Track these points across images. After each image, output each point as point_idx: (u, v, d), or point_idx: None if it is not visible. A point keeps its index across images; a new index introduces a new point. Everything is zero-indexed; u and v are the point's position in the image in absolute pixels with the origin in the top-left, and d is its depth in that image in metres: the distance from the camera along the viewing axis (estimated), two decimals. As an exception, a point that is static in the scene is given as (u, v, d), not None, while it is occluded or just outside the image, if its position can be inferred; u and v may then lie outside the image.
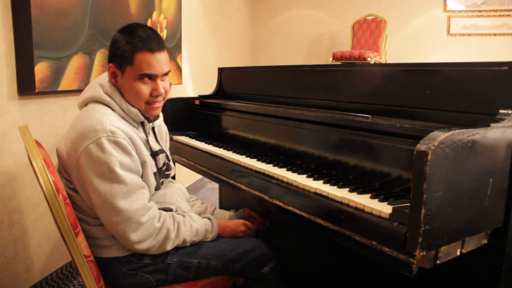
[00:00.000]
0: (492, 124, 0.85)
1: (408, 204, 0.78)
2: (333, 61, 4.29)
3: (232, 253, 1.28)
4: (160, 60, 1.20)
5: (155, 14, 2.65)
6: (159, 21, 2.72)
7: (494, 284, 0.97)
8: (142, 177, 1.21)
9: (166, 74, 1.24)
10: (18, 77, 1.60)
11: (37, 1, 1.59)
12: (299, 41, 5.28)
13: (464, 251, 0.86)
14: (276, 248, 1.41)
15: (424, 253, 0.77)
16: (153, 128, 1.35)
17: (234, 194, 2.14)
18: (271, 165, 1.31)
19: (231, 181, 1.39)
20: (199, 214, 1.42)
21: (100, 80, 1.24)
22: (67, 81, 1.81)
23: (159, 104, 1.26)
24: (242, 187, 1.32)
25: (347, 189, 1.03)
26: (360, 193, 1.00)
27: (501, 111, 0.92)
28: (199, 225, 1.28)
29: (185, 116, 2.10)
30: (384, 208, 0.88)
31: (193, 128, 2.08)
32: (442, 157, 0.75)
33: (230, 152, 1.53)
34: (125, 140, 1.14)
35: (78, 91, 1.87)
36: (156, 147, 1.30)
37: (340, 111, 1.36)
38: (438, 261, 0.81)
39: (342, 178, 1.15)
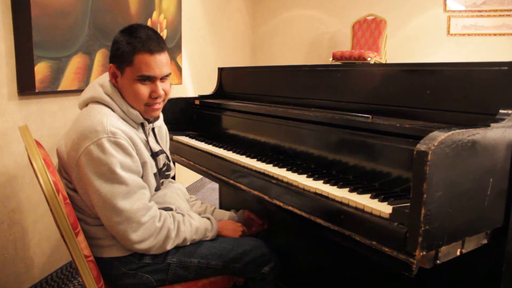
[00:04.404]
0: (492, 124, 0.85)
1: (408, 204, 0.78)
2: (333, 61, 4.29)
3: (232, 253, 1.28)
4: (159, 62, 1.20)
5: (155, 14, 2.65)
6: (159, 21, 2.72)
7: (494, 284, 0.97)
8: (142, 177, 1.21)
9: (166, 76, 1.24)
10: (18, 77, 1.60)
11: (37, 1, 1.59)
12: (299, 41, 5.28)
13: (464, 251, 0.86)
14: (276, 248, 1.41)
15: (424, 253, 0.77)
16: (153, 129, 1.35)
17: (234, 194, 2.14)
18: (271, 165, 1.31)
19: (231, 181, 1.39)
20: (199, 214, 1.42)
21: (100, 81, 1.24)
22: (67, 81, 1.81)
23: (159, 105, 1.25)
24: (242, 187, 1.32)
25: (347, 189, 1.03)
26: (360, 193, 1.00)
27: (501, 111, 0.92)
28: (198, 223, 1.28)
29: (185, 116, 2.10)
30: (384, 208, 0.88)
31: (193, 128, 2.08)
32: (442, 157, 0.75)
33: (230, 152, 1.53)
34: (126, 141, 1.14)
35: (78, 91, 1.87)
36: (156, 147, 1.30)
37: (340, 111, 1.36)
38: (438, 261, 0.81)
39: (342, 178, 1.15)
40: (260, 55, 5.52)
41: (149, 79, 1.20)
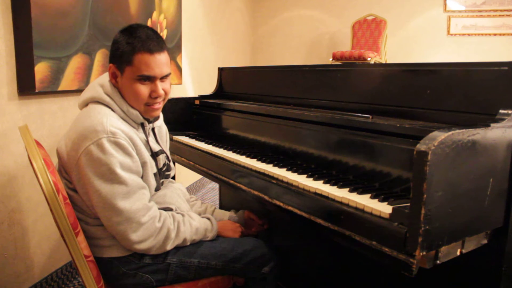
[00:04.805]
0: (492, 124, 0.85)
1: (408, 204, 0.78)
2: (333, 61, 4.29)
3: (232, 253, 1.28)
4: (159, 62, 1.20)
5: (155, 14, 2.65)
6: (159, 21, 2.72)
7: (494, 284, 0.97)
8: (142, 177, 1.21)
9: (166, 76, 1.24)
10: (18, 77, 1.60)
11: (37, 1, 1.59)
12: (299, 41, 5.28)
13: (464, 251, 0.86)
14: (276, 248, 1.41)
15: (424, 253, 0.77)
16: (153, 129, 1.35)
17: (234, 194, 2.14)
18: (271, 165, 1.31)
19: (231, 181, 1.39)
20: (199, 214, 1.42)
21: (100, 81, 1.24)
22: (67, 81, 1.81)
23: (159, 105, 1.25)
24: (242, 187, 1.32)
25: (347, 189, 1.03)
26: (360, 193, 1.00)
27: (501, 111, 0.92)
28: (198, 224, 1.28)
29: (185, 116, 2.10)
30: (384, 208, 0.88)
31: (193, 128, 2.08)
32: (442, 157, 0.75)
33: (230, 152, 1.53)
34: (126, 141, 1.14)
35: (78, 91, 1.87)
36: (156, 147, 1.30)
37: (340, 111, 1.36)
38: (438, 261, 0.81)
39: (342, 178, 1.15)
40: (260, 55, 5.52)
41: (149, 79, 1.20)
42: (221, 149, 1.58)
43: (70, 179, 1.19)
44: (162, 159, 1.33)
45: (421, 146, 0.75)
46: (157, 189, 1.31)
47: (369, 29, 4.54)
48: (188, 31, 3.30)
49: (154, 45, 1.19)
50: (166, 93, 1.25)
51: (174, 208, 1.29)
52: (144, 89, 1.20)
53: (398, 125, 1.04)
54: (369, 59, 4.07)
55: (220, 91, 2.18)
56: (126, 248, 1.18)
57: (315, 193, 1.05)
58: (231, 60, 4.61)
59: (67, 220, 1.03)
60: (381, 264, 0.86)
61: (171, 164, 1.43)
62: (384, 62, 4.42)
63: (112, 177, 1.11)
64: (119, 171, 1.11)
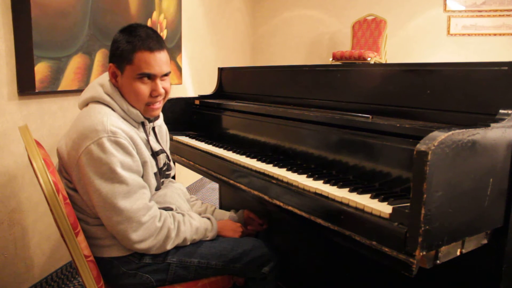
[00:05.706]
0: (492, 124, 0.85)
1: (408, 204, 0.78)
2: (333, 61, 4.29)
3: (232, 253, 1.28)
4: (159, 60, 1.20)
5: (155, 14, 2.65)
6: (159, 21, 2.72)
7: (494, 284, 0.97)
8: (142, 177, 1.21)
9: (166, 74, 1.24)
10: (18, 77, 1.60)
11: (37, 1, 1.59)
12: (299, 41, 5.28)
13: (464, 251, 0.86)
14: (276, 248, 1.41)
15: (424, 253, 0.77)
16: (153, 128, 1.35)
17: (234, 194, 2.14)
18: (271, 165, 1.31)
19: (231, 181, 1.39)
20: (199, 214, 1.42)
21: (100, 80, 1.24)
22: (67, 81, 1.81)
23: (159, 104, 1.26)
24: (242, 187, 1.32)
25: (347, 189, 1.03)
26: (360, 193, 1.00)
27: (501, 111, 0.92)
28: (198, 223, 1.28)
29: (185, 116, 2.10)
30: (384, 208, 0.88)
31: (193, 128, 2.08)
32: (442, 157, 0.75)
33: (230, 152, 1.53)
34: (126, 140, 1.14)
35: (78, 91, 1.87)
36: (156, 147, 1.30)
37: (340, 111, 1.36)
38: (438, 261, 0.81)
39: (342, 178, 1.15)
40: (260, 55, 5.51)
41: (149, 77, 1.20)
42: (221, 149, 1.58)
43: (70, 179, 1.19)
44: (162, 158, 1.33)
45: (421, 146, 0.75)
46: (158, 188, 1.31)
47: (369, 29, 4.54)
48: (188, 31, 3.30)
49: (154, 43, 1.19)
50: (166, 92, 1.25)
51: (174, 208, 1.29)
52: (144, 88, 1.20)
53: (398, 125, 1.04)
54: (369, 59, 4.07)
55: (220, 91, 2.18)
56: (126, 248, 1.18)
57: (315, 193, 1.05)
58: (231, 60, 4.61)
59: (67, 220, 1.03)
60: (381, 264, 0.86)
61: (172, 163, 1.43)
62: (384, 62, 4.42)
63: (112, 176, 1.11)
64: (119, 170, 1.11)
